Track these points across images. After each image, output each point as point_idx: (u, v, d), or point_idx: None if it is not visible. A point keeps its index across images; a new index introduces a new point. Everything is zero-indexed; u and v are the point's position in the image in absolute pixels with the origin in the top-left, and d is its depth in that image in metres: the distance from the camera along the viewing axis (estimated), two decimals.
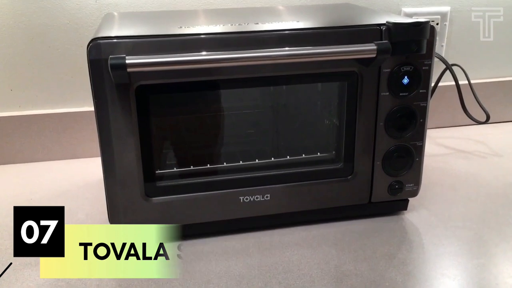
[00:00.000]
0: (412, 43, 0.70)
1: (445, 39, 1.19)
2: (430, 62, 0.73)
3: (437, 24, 1.17)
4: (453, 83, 1.10)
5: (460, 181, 0.96)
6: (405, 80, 0.73)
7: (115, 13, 0.92)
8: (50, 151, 1.07)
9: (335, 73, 0.74)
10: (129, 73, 0.62)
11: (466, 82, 1.11)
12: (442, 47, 1.19)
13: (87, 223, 0.82)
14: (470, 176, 0.98)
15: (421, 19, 0.71)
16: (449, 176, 0.98)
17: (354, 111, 0.75)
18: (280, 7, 0.99)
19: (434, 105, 1.17)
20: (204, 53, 0.64)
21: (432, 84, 1.11)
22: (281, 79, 0.73)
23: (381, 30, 0.70)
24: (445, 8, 1.16)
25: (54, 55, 1.02)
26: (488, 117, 1.09)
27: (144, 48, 0.64)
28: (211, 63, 0.63)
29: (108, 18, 0.85)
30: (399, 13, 1.15)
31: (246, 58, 0.64)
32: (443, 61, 1.07)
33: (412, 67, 0.73)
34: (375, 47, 0.67)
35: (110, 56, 0.60)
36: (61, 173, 1.02)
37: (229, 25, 0.73)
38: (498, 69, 1.24)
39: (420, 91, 0.75)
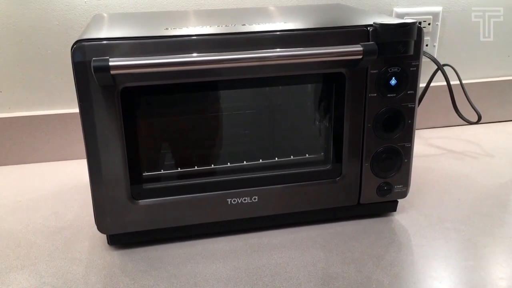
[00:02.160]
0: (399, 44, 0.70)
1: (437, 39, 1.18)
2: (417, 63, 0.73)
3: (429, 24, 1.16)
4: (445, 83, 1.09)
5: (451, 182, 0.95)
6: (393, 81, 0.73)
7: (104, 14, 0.92)
8: (39, 152, 1.06)
9: (322, 74, 0.73)
10: (113, 75, 0.61)
11: (458, 82, 1.10)
12: (434, 47, 1.19)
13: (74, 225, 0.82)
14: (461, 176, 0.98)
15: (408, 20, 0.70)
16: (441, 177, 0.98)
17: (342, 112, 0.74)
18: (270, 8, 0.99)
19: (426, 105, 1.17)
20: (187, 55, 0.63)
21: (424, 84, 1.11)
22: (268, 81, 0.72)
23: (368, 31, 0.70)
24: (437, 8, 1.16)
25: (44, 57, 1.02)
26: (479, 117, 1.08)
27: (128, 50, 0.64)
28: (194, 65, 0.63)
29: (96, 19, 0.84)
30: (390, 13, 1.15)
31: (230, 60, 0.64)
32: (435, 61, 1.07)
33: (400, 68, 0.73)
34: (361, 49, 0.66)
35: (93, 58, 0.60)
36: (50, 175, 1.01)
37: (216, 26, 0.73)
38: (490, 69, 1.24)
39: (408, 92, 0.74)
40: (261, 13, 0.91)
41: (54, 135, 1.05)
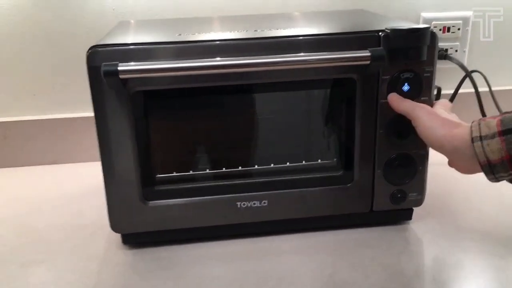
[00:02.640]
0: (411, 49, 0.69)
1: (468, 45, 1.15)
2: (431, 69, 0.72)
3: (459, 29, 1.13)
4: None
5: (474, 191, 0.92)
6: (406, 87, 0.72)
7: (130, 21, 0.95)
8: (72, 153, 1.11)
9: (333, 79, 0.73)
10: (123, 79, 0.64)
11: (487, 89, 1.07)
12: (464, 52, 1.16)
13: (94, 225, 0.85)
14: (485, 186, 0.93)
15: (421, 26, 0.69)
16: (463, 185, 0.95)
17: (353, 118, 0.74)
18: (289, 14, 1.00)
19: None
20: (192, 60, 0.65)
21: (452, 91, 1.08)
22: (279, 86, 0.73)
23: (379, 36, 0.70)
24: (467, 13, 1.13)
25: (73, 62, 1.06)
26: None
27: (140, 55, 0.66)
28: (199, 70, 0.64)
29: (118, 26, 0.88)
30: (418, 19, 1.13)
31: (239, 65, 0.65)
32: (462, 67, 1.04)
33: (413, 74, 0.71)
34: (369, 54, 0.66)
35: (103, 63, 0.63)
36: (81, 175, 1.05)
37: (228, 32, 0.74)
38: None
39: (422, 98, 0.73)
40: (279, 19, 0.92)
41: (85, 137, 1.10)
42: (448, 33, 1.13)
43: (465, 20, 1.13)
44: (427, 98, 0.73)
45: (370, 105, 0.73)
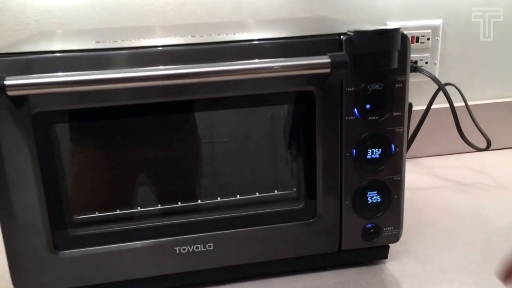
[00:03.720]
0: (379, 55, 0.57)
1: (438, 56, 1.05)
2: (404, 78, 0.60)
3: (428, 39, 1.03)
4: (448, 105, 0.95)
5: (457, 220, 0.81)
6: (374, 101, 0.60)
7: (50, 31, 0.81)
8: None
9: (288, 94, 0.60)
10: (14, 97, 0.49)
11: (463, 103, 0.96)
12: (435, 64, 1.06)
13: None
14: (469, 213, 0.83)
15: (390, 27, 0.57)
16: (444, 214, 0.83)
17: (314, 140, 0.61)
18: (242, 21, 0.87)
19: (428, 130, 1.03)
20: (113, 70, 0.51)
21: (424, 107, 0.97)
22: (218, 103, 0.59)
23: (340, 40, 0.57)
24: (437, 22, 1.03)
25: None
26: (489, 143, 0.94)
27: (48, 66, 0.52)
28: (121, 83, 0.50)
29: (33, 36, 0.73)
30: None
31: (170, 76, 0.51)
32: (435, 80, 0.94)
33: (382, 85, 0.59)
34: (328, 60, 0.54)
35: None
36: None
37: (162, 38, 0.61)
38: (500, 88, 1.10)
39: (394, 113, 0.61)
40: (223, 26, 0.79)
41: None
42: (417, 44, 1.03)
43: (435, 29, 1.03)
44: (400, 113, 0.61)
45: (333, 124, 0.61)
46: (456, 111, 0.95)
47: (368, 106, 0.60)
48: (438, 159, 1.07)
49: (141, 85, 0.52)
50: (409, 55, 0.60)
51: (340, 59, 0.54)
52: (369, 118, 0.61)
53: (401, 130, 0.62)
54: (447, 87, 0.94)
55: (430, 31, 1.03)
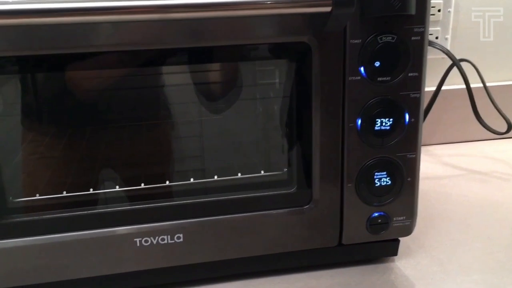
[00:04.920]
0: None
1: (450, 31, 0.94)
2: (422, 29, 0.48)
3: (439, 10, 0.92)
4: (461, 86, 0.84)
5: (475, 213, 0.69)
6: (385, 57, 0.48)
7: None
8: None
9: (276, 46, 0.48)
10: None
11: (479, 84, 0.85)
12: (446, 40, 0.94)
13: None
14: (488, 205, 0.72)
15: None
16: (460, 206, 0.71)
17: (308, 107, 0.49)
18: None
19: (437, 115, 0.92)
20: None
21: (434, 88, 0.85)
22: (192, 55, 0.47)
23: None
24: None
25: None
26: (510, 127, 0.82)
27: None
28: (46, 16, 0.38)
29: None
30: None
31: (112, 9, 0.39)
32: (449, 55, 0.82)
33: (395, 37, 0.48)
34: None
35: None
36: None
37: None
38: None
39: (409, 74, 0.49)
40: None
41: None
42: None
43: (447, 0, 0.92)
44: (416, 74, 0.49)
45: (333, 86, 0.49)
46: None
47: (377, 64, 0.48)
48: (449, 147, 0.95)
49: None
50: (430, 1, 0.48)
51: None
52: (378, 79, 0.49)
53: (418, 95, 0.50)
54: (461, 64, 0.83)
55: (441, 1, 0.92)
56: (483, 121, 0.85)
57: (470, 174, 0.83)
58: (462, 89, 0.84)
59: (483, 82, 0.85)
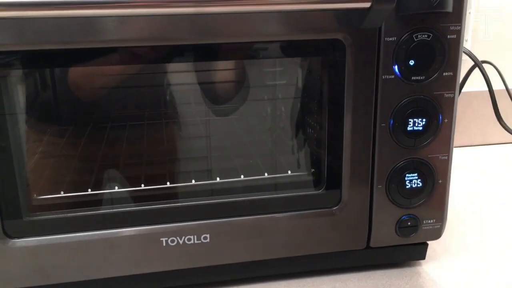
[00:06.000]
0: None
1: (470, 32, 0.92)
2: (459, 27, 0.47)
3: None
4: (482, 88, 0.83)
5: (494, 215, 0.68)
6: (420, 56, 0.47)
7: None
8: None
9: (309, 44, 0.47)
10: None
11: (501, 86, 0.84)
12: (466, 42, 0.93)
13: None
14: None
15: None
16: (493, 207, 0.70)
17: (340, 106, 0.48)
18: None
19: (458, 117, 0.90)
20: None
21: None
22: (222, 52, 0.46)
23: None
24: None
25: None
26: None
27: None
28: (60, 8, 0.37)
29: None
30: None
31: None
32: (471, 56, 0.81)
33: (431, 35, 0.46)
34: None
35: None
36: None
37: None
38: None
39: (444, 74, 0.48)
40: None
41: None
42: None
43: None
44: (451, 73, 0.48)
45: (366, 85, 0.48)
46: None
47: (411, 62, 0.47)
48: (468, 150, 0.94)
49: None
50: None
51: None
52: (412, 78, 0.48)
53: (452, 95, 0.49)
54: (484, 66, 0.82)
55: None
56: (505, 123, 0.84)
57: (496, 176, 0.82)
58: (482, 91, 0.83)
59: (505, 84, 0.83)
